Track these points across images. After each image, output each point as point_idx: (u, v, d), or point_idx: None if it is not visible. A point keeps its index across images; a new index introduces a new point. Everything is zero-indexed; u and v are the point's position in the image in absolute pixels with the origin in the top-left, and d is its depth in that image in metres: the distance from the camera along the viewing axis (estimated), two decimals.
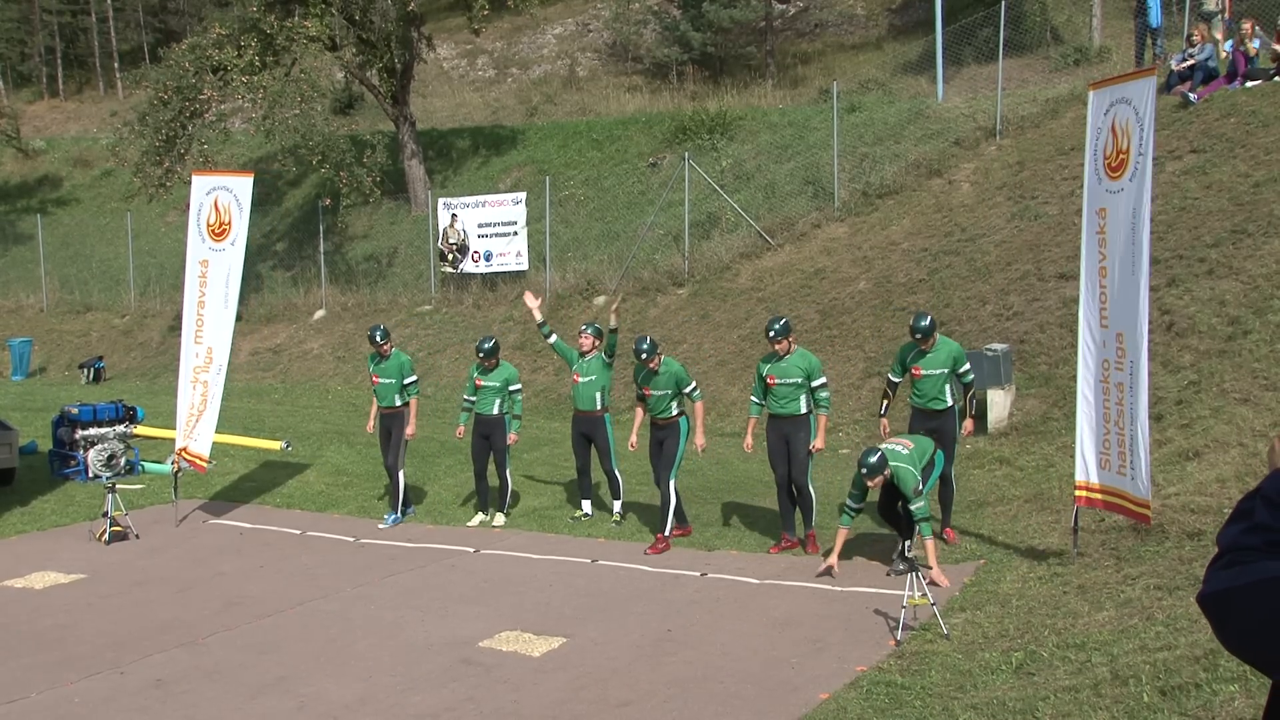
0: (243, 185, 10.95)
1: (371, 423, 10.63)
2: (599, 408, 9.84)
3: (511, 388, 10.19)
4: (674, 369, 9.14)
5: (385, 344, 10.31)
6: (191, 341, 10.82)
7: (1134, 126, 7.22)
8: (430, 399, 18.29)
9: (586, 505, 10.18)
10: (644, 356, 9.02)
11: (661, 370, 9.11)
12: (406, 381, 10.33)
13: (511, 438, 10.13)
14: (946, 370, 8.77)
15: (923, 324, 8.69)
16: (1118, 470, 7.42)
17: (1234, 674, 4.76)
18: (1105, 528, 8.06)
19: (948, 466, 8.88)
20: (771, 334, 8.68)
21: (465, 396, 10.36)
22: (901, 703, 5.57)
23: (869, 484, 7.74)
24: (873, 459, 7.61)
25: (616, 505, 9.91)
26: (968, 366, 8.92)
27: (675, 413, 9.18)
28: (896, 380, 9.09)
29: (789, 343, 8.70)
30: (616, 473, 9.94)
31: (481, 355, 10.11)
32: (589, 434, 9.89)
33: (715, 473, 12.05)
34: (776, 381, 8.66)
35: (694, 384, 9.18)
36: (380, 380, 10.38)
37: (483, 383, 10.16)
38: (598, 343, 9.83)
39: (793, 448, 8.66)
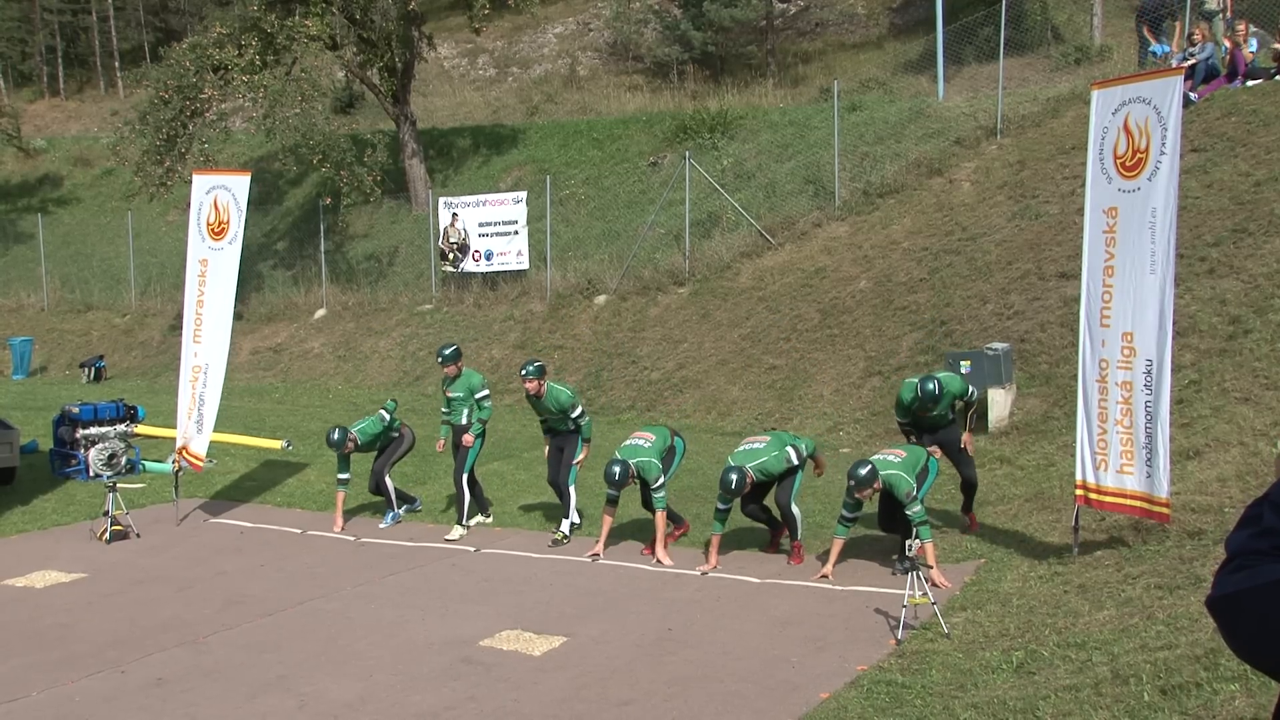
0: (240, 184, 10.93)
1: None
2: (573, 428, 9.62)
3: (477, 395, 9.86)
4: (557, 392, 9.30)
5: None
6: (191, 341, 10.83)
7: (1155, 126, 7.23)
8: (430, 398, 18.30)
9: (566, 525, 9.65)
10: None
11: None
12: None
13: (467, 439, 9.81)
14: (950, 401, 8.93)
15: (929, 388, 8.64)
16: (1118, 470, 7.42)
17: (1235, 673, 4.76)
18: (1105, 527, 8.06)
19: (971, 470, 8.96)
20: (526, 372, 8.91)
21: (442, 409, 10.17)
22: (902, 702, 5.57)
23: (860, 496, 7.77)
24: (862, 471, 7.60)
25: (565, 524, 9.51)
26: (971, 390, 9.03)
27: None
28: (905, 420, 9.09)
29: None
30: (570, 489, 9.58)
31: (439, 361, 9.92)
32: (563, 446, 9.72)
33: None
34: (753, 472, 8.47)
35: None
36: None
37: (449, 394, 9.98)
38: (541, 383, 9.38)
39: (779, 479, 8.56)
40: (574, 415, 9.50)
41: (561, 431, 9.67)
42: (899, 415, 9.12)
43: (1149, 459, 7.23)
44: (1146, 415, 7.23)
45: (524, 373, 9.34)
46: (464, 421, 9.90)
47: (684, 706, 5.78)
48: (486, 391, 10.01)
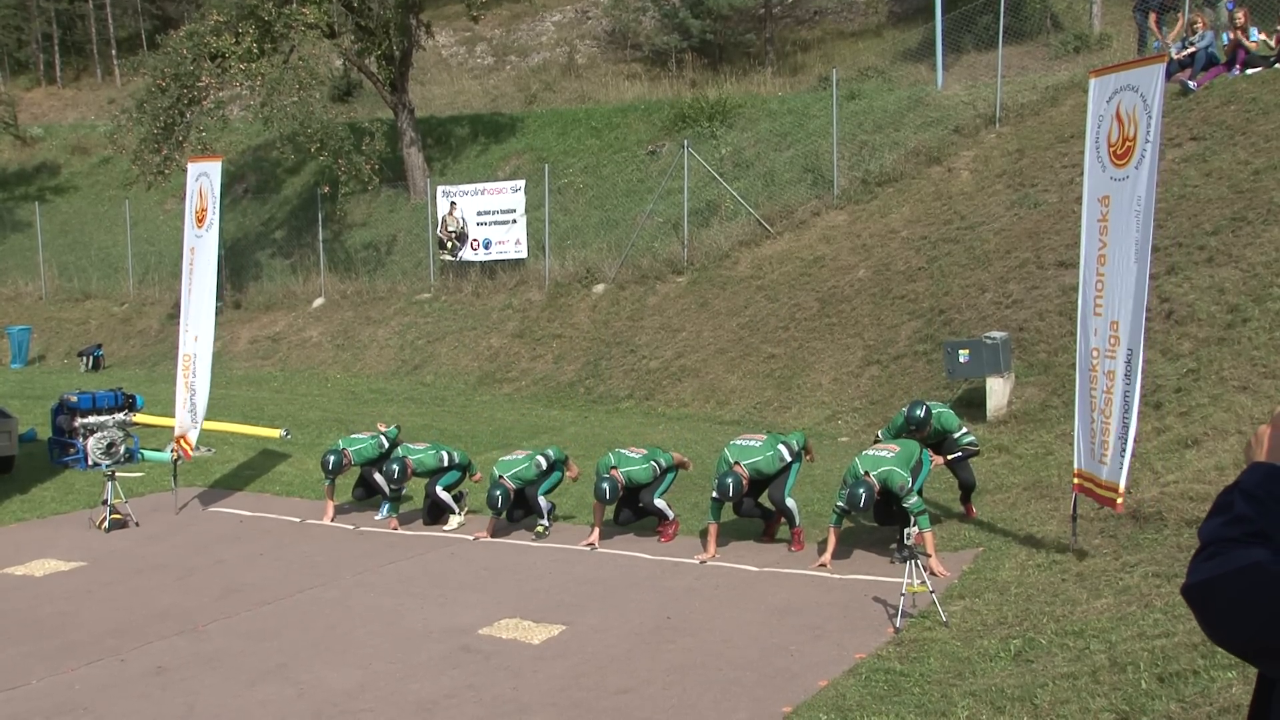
0: (215, 169, 10.85)
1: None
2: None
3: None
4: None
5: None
6: (184, 329, 10.82)
7: (1141, 114, 7.19)
8: (430, 387, 18.31)
9: (545, 520, 9.55)
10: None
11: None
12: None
13: (477, 476, 10.10)
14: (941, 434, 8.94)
15: (916, 414, 8.68)
16: (1100, 459, 7.42)
17: (1231, 661, 4.77)
18: (1104, 515, 8.06)
19: (968, 473, 8.95)
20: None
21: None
22: (900, 690, 5.58)
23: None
24: (860, 493, 7.60)
25: (540, 522, 9.44)
26: (964, 430, 8.98)
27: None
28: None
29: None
30: (541, 499, 9.47)
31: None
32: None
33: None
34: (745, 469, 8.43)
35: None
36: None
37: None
38: (511, 487, 9.27)
39: (772, 478, 8.54)
40: (545, 469, 9.47)
41: None
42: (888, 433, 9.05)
43: (1121, 449, 7.23)
44: (1124, 405, 7.22)
45: (498, 510, 9.19)
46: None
47: (682, 694, 5.80)
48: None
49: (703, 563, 8.31)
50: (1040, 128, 16.62)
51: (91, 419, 12.58)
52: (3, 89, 36.58)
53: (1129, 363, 7.19)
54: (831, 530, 7.99)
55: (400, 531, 9.72)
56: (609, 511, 9.14)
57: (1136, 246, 7.15)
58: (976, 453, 9.18)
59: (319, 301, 22.48)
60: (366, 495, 10.46)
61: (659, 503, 8.96)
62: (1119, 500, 7.21)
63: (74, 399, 12.63)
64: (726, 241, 18.05)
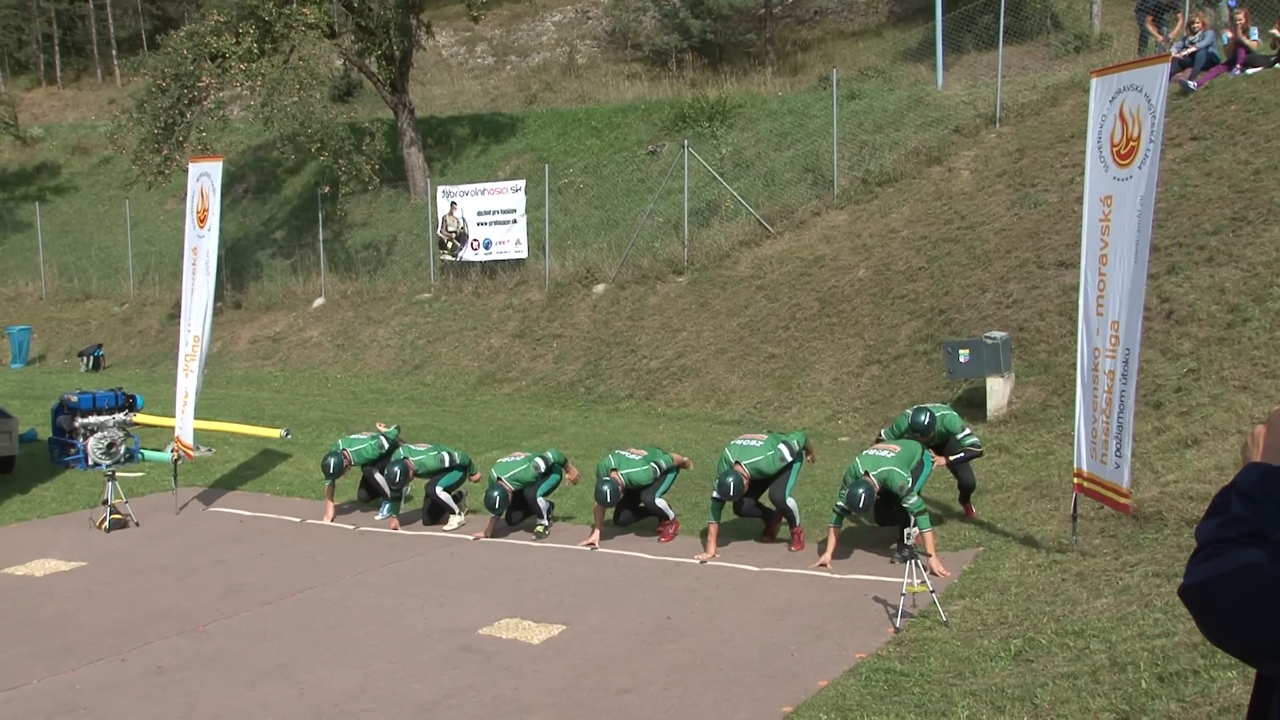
0: (215, 169, 10.87)
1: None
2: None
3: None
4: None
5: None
6: (185, 330, 10.81)
7: (1145, 114, 7.20)
8: (430, 387, 18.31)
9: (544, 520, 9.60)
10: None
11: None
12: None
13: (477, 476, 10.13)
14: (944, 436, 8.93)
15: (921, 419, 8.69)
16: (1101, 459, 7.42)
17: (1231, 661, 4.77)
18: (1104, 515, 8.07)
19: (969, 474, 8.94)
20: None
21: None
22: (900, 690, 5.58)
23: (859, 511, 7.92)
24: (860, 493, 7.62)
25: (539, 522, 9.46)
26: (966, 430, 8.96)
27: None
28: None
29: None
30: (540, 499, 9.49)
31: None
32: None
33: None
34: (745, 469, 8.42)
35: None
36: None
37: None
38: (510, 487, 9.26)
39: (773, 477, 8.54)
40: (543, 471, 9.49)
41: None
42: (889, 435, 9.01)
43: (1118, 449, 7.24)
44: (1120, 405, 7.23)
45: (496, 511, 9.24)
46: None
47: (683, 694, 5.80)
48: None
49: (703, 563, 8.31)
50: (1041, 127, 16.62)
51: (92, 419, 12.58)
52: (3, 89, 36.57)
53: (1126, 363, 7.21)
54: (832, 530, 7.99)
55: (400, 531, 9.72)
56: (609, 513, 9.15)
57: (1137, 246, 7.16)
58: (979, 454, 9.18)
59: (319, 301, 22.48)
60: (370, 497, 10.43)
61: (660, 502, 8.96)
62: (1124, 501, 7.22)
63: (74, 399, 12.64)
64: (727, 241, 18.05)
